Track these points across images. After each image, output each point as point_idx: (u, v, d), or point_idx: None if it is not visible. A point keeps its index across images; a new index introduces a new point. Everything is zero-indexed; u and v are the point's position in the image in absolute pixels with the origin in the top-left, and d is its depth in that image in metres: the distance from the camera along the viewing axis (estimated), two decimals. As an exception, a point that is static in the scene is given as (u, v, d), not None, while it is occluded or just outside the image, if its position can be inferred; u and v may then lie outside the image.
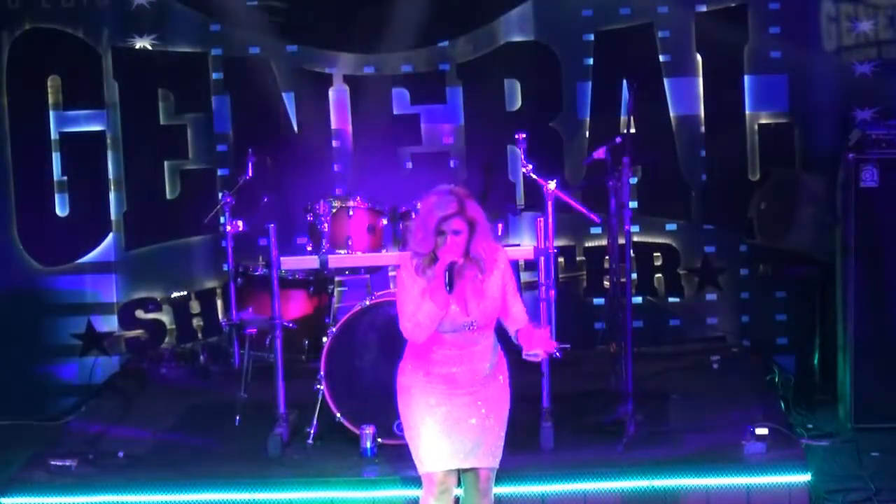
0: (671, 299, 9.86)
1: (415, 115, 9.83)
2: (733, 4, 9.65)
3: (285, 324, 8.25)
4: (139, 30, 9.81)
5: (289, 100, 9.84)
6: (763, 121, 9.71)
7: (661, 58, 9.70)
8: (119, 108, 9.87)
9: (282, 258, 8.17)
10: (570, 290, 9.78)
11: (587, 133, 9.75)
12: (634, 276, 9.60)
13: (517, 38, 9.77)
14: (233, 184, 8.91)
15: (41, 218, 9.89)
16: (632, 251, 8.55)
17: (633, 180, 9.33)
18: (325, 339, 8.13)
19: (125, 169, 9.88)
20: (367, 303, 8.04)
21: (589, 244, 9.84)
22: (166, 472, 7.80)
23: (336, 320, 8.35)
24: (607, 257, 9.45)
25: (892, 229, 8.51)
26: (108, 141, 9.89)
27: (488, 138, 9.77)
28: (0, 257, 9.85)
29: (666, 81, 9.70)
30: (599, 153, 8.21)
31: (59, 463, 7.83)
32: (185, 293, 9.98)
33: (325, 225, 8.32)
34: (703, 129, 9.74)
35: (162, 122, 9.89)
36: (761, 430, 7.65)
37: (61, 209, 9.92)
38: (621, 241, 8.27)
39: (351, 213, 8.36)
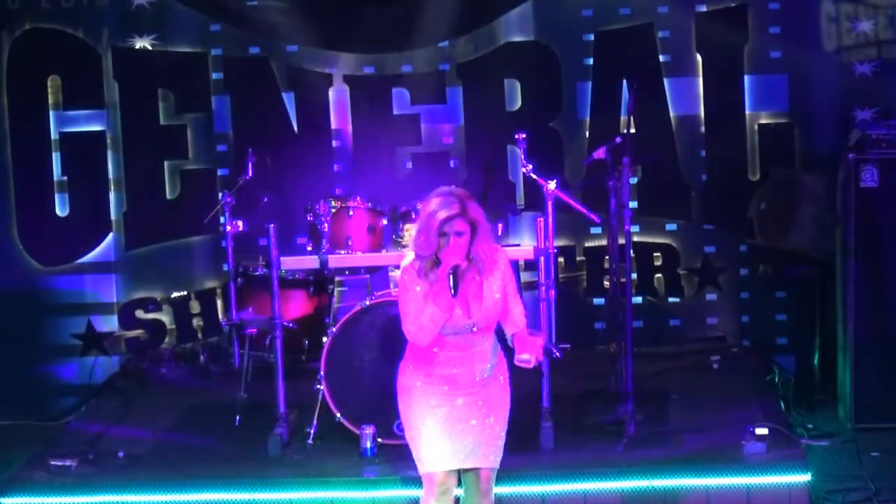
0: (671, 299, 9.86)
1: (415, 115, 9.83)
2: (733, 4, 9.65)
3: (285, 324, 8.25)
4: (139, 30, 9.80)
5: (289, 100, 9.84)
6: (763, 121, 9.71)
7: (661, 58, 9.70)
8: (119, 108, 9.87)
9: (282, 258, 8.17)
10: (570, 290, 9.78)
11: (587, 133, 9.75)
12: (634, 276, 9.60)
13: (517, 38, 9.77)
14: (233, 184, 8.91)
15: (41, 218, 9.88)
16: (632, 251, 8.55)
17: (633, 180, 9.33)
18: (325, 339, 8.13)
19: (125, 169, 9.88)
20: (367, 303, 8.04)
21: (589, 244, 9.84)
22: (166, 472, 7.80)
23: (336, 320, 8.35)
24: (607, 257, 9.45)
25: (892, 229, 8.51)
26: (108, 141, 9.89)
27: (488, 138, 9.77)
28: (0, 257, 9.85)
29: (666, 81, 9.70)
30: (599, 153, 8.21)
31: (59, 463, 7.84)
32: (185, 293, 9.98)
33: (325, 225, 8.32)
34: (703, 129, 9.74)
35: (162, 122, 9.89)
36: (761, 430, 7.65)
37: (61, 209, 9.92)
38: (621, 241, 8.27)
39: (351, 213, 8.37)
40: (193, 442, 8.32)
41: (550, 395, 7.99)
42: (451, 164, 9.86)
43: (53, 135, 9.88)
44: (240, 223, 8.46)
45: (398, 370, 6.55)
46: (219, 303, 9.95)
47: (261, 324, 8.45)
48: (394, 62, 9.83)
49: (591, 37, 9.72)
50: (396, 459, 7.56)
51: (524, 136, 8.23)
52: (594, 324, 9.78)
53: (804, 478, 7.43)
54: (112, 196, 9.91)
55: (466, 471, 6.49)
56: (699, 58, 9.70)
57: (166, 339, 10.00)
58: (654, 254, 9.83)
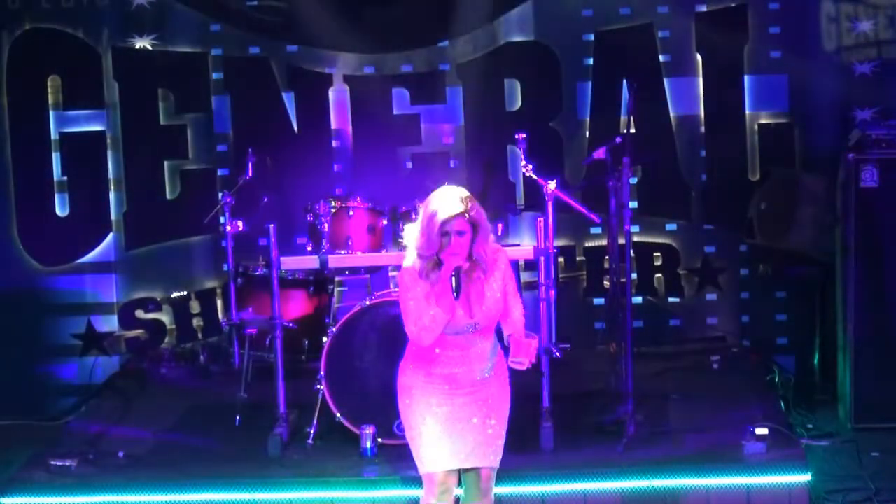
0: (671, 299, 9.86)
1: (415, 115, 9.83)
2: (733, 4, 9.65)
3: (285, 324, 8.25)
4: (139, 30, 9.81)
5: (289, 100, 9.84)
6: (763, 121, 9.71)
7: (661, 58, 9.70)
8: (119, 108, 9.87)
9: (282, 258, 8.17)
10: (570, 290, 9.78)
11: (587, 133, 9.75)
12: (634, 276, 9.60)
13: (517, 38, 9.77)
14: (233, 184, 8.91)
15: (41, 218, 9.88)
16: (632, 251, 8.55)
17: (633, 180, 9.34)
18: (325, 339, 8.13)
19: (125, 169, 9.88)
20: (367, 303, 8.04)
21: (589, 244, 9.84)
22: (166, 472, 7.80)
23: (336, 320, 8.35)
24: (607, 257, 9.46)
25: (892, 229, 8.51)
26: (108, 141, 9.89)
27: (488, 138, 9.77)
28: (0, 257, 9.85)
29: (666, 81, 9.70)
30: (599, 153, 8.21)
31: (59, 463, 7.83)
32: (185, 293, 9.98)
33: (325, 225, 8.33)
34: (703, 129, 9.74)
35: (162, 122, 9.89)
36: (761, 430, 7.65)
37: (61, 209, 9.92)
38: (621, 241, 8.27)
39: (351, 213, 8.37)
40: (193, 442, 8.32)
41: (550, 395, 7.99)
42: (451, 164, 9.86)
43: (53, 135, 9.88)
44: (240, 223, 8.45)
45: (398, 370, 6.55)
46: (219, 303, 9.95)
47: (261, 324, 8.44)
48: (394, 62, 9.83)
49: (591, 37, 9.72)
50: (396, 459, 7.56)
51: (524, 136, 8.23)
52: (594, 324, 9.79)
53: (804, 478, 7.43)
54: (112, 196, 9.91)
55: (466, 470, 6.49)
56: (699, 58, 9.70)
57: (166, 339, 10.00)
58: (654, 254, 9.83)
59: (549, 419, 7.95)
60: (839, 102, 9.55)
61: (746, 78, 9.66)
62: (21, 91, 9.82)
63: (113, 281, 9.95)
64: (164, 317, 10.00)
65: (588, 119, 9.76)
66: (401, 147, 9.84)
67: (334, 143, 9.90)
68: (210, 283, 9.99)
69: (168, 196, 9.91)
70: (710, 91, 9.69)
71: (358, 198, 8.46)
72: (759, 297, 9.79)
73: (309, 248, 8.46)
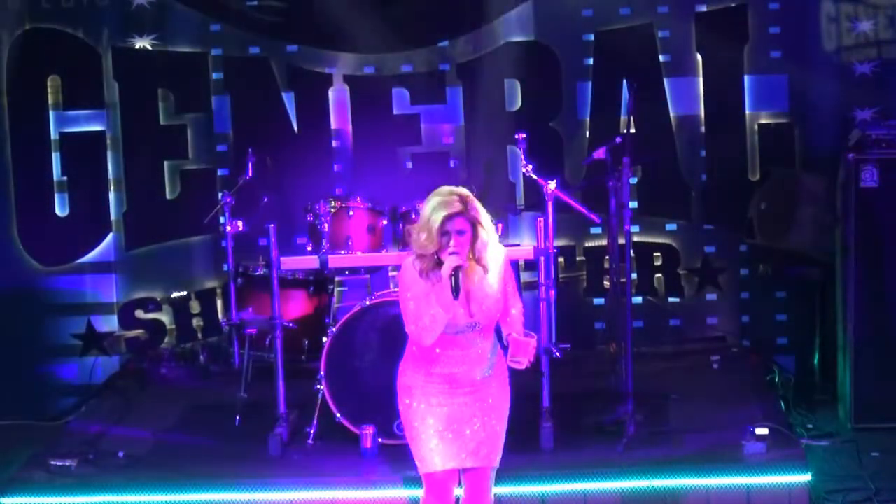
0: (671, 299, 9.86)
1: (415, 115, 9.83)
2: (733, 4, 9.65)
3: (285, 324, 8.26)
4: (139, 30, 9.80)
5: (289, 100, 9.84)
6: (763, 121, 9.71)
7: (661, 58, 9.70)
8: (119, 108, 9.87)
9: (282, 258, 8.18)
10: (570, 290, 9.78)
11: (587, 133, 9.75)
12: (634, 276, 9.60)
13: (517, 38, 9.77)
14: (233, 184, 8.91)
15: (41, 218, 9.88)
16: (632, 251, 8.55)
17: (633, 180, 9.33)
18: (325, 339, 8.13)
19: (125, 169, 9.88)
20: (367, 303, 8.04)
21: (589, 244, 9.84)
22: (166, 472, 7.80)
23: (336, 320, 8.35)
24: (607, 257, 9.46)
25: (892, 229, 8.51)
26: (108, 141, 9.89)
27: (488, 138, 9.77)
28: (0, 257, 9.85)
29: (666, 81, 9.70)
30: (599, 153, 8.22)
31: (59, 463, 7.84)
32: (185, 293, 9.98)
33: (325, 225, 8.33)
34: (703, 129, 9.74)
35: (162, 122, 9.89)
36: (761, 430, 7.65)
37: (61, 209, 9.92)
38: (621, 241, 8.27)
39: (351, 213, 8.37)
40: (193, 442, 8.32)
41: (550, 395, 8.00)
42: (451, 164, 9.86)
43: (53, 135, 9.88)
44: (240, 223, 8.45)
45: (398, 370, 6.55)
46: (219, 303, 9.95)
47: (261, 324, 8.45)
48: (394, 62, 9.83)
49: (591, 37, 9.72)
50: (396, 459, 7.56)
51: (524, 136, 8.23)
52: (594, 324, 9.79)
53: (804, 478, 7.43)
54: (112, 196, 9.91)
55: (466, 470, 6.48)
56: (699, 58, 9.70)
57: (166, 339, 10.00)
58: (654, 254, 9.83)
59: (549, 419, 7.95)
60: (839, 102, 9.55)
61: (746, 78, 9.66)
62: (21, 91, 9.82)
63: (113, 281, 9.95)
64: (164, 317, 10.00)
65: (588, 119, 9.76)
66: (401, 147, 9.84)
67: (334, 143, 9.90)
68: (210, 283, 9.99)
69: (168, 196, 9.91)
70: (710, 91, 9.69)
71: (358, 198, 8.46)
72: (759, 297, 9.79)
73: (309, 248, 8.47)
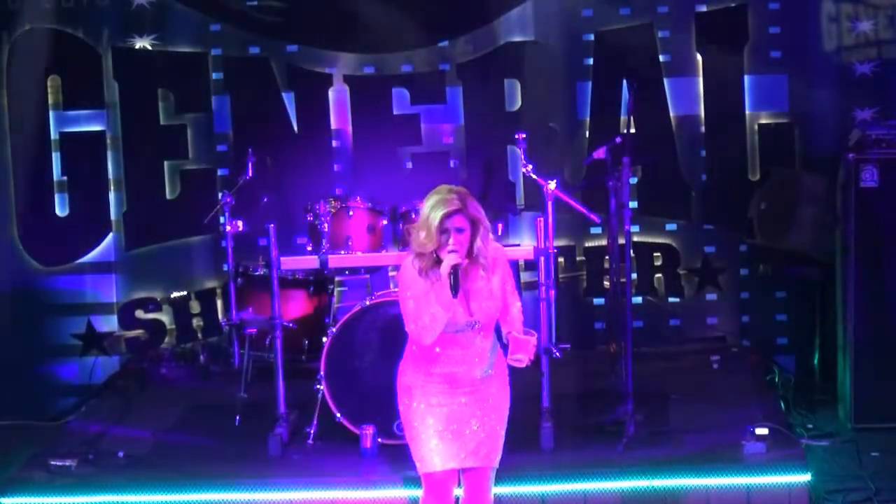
0: (671, 299, 9.86)
1: (415, 115, 9.83)
2: (733, 4, 9.65)
3: (285, 324, 8.26)
4: (139, 30, 9.80)
5: (289, 100, 9.84)
6: (763, 121, 9.71)
7: (661, 58, 9.70)
8: (119, 108, 9.87)
9: (282, 258, 8.17)
10: (570, 290, 9.78)
11: (587, 133, 9.75)
12: (634, 276, 9.60)
13: (517, 38, 9.77)
14: (233, 184, 8.91)
15: (41, 218, 9.88)
16: (632, 251, 8.55)
17: (633, 180, 9.33)
18: (325, 339, 8.13)
19: (125, 169, 9.88)
20: (367, 303, 8.04)
21: (589, 244, 9.84)
22: (166, 472, 7.80)
23: (336, 320, 8.35)
24: (607, 257, 9.46)
25: (892, 229, 8.51)
26: (108, 141, 9.89)
27: (488, 138, 9.77)
28: (0, 257, 9.85)
29: (666, 81, 9.70)
30: (599, 153, 8.21)
31: (59, 463, 7.84)
32: (185, 293, 9.98)
33: (325, 225, 8.33)
34: (703, 129, 9.74)
35: (162, 122, 9.89)
36: (761, 430, 7.65)
37: (61, 209, 9.92)
38: (621, 241, 8.27)
39: (351, 213, 8.37)
40: (193, 442, 8.32)
41: (550, 395, 7.99)
42: (451, 164, 9.86)
43: (53, 135, 9.88)
44: (240, 223, 8.45)
45: (398, 370, 6.54)
46: (219, 303, 9.95)
47: (261, 324, 8.44)
48: (394, 62, 9.83)
49: (591, 37, 9.72)
50: (396, 459, 7.56)
51: (524, 136, 8.23)
52: (594, 324, 9.79)
53: (804, 478, 7.43)
54: (112, 196, 9.91)
55: (466, 470, 6.48)
56: (699, 58, 9.70)
57: (166, 339, 10.00)
58: (654, 254, 9.83)
59: (549, 419, 7.95)
60: (839, 102, 9.55)
61: (746, 78, 9.66)
62: (21, 91, 9.81)
63: (113, 281, 9.95)
64: (164, 317, 10.00)
65: (588, 119, 9.76)
66: (401, 147, 9.84)
67: (334, 143, 9.90)
68: (210, 283, 9.99)
69: (168, 196, 9.91)
70: (710, 91, 9.69)
71: (358, 198, 8.46)
72: (759, 297, 9.79)
73: (309, 248, 8.47)
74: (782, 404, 8.63)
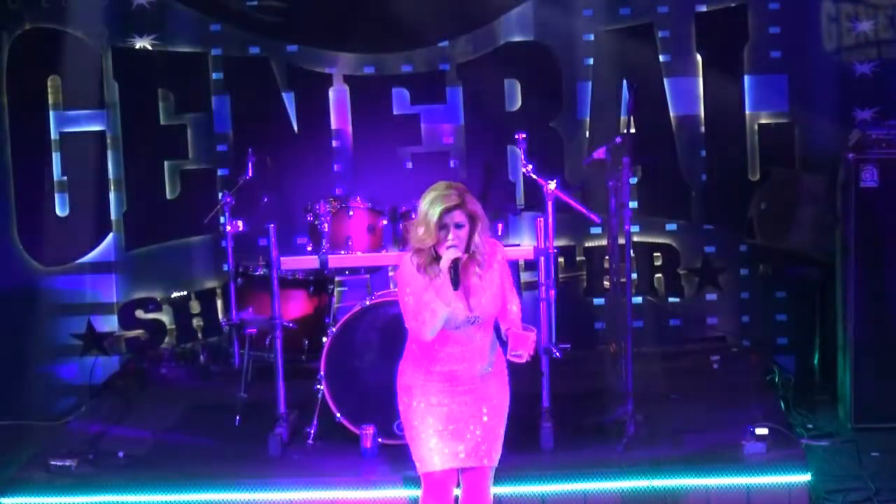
0: (671, 299, 9.86)
1: (415, 115, 9.83)
2: (733, 4, 9.65)
3: (285, 324, 8.26)
4: (139, 30, 9.81)
5: (289, 100, 9.84)
6: (763, 121, 9.71)
7: (661, 58, 9.70)
8: (119, 108, 9.87)
9: (282, 258, 8.17)
10: (570, 290, 9.78)
11: (587, 133, 9.75)
12: (634, 276, 9.60)
13: (517, 38, 9.77)
14: (233, 184, 8.90)
15: (41, 218, 9.88)
16: (632, 251, 8.55)
17: (633, 180, 9.33)
18: (325, 339, 8.13)
19: (125, 169, 9.89)
20: (367, 303, 8.04)
21: (589, 244, 9.84)
22: (166, 472, 7.80)
23: (336, 320, 8.35)
24: (607, 257, 9.46)
25: (892, 229, 8.51)
26: (108, 141, 9.89)
27: (488, 138, 9.77)
28: (0, 257, 9.85)
29: (666, 81, 9.70)
30: (599, 153, 8.22)
31: (59, 463, 7.84)
32: (185, 293, 9.98)
33: (325, 225, 8.33)
34: (703, 129, 9.74)
35: (162, 122, 9.89)
36: (761, 430, 7.65)
37: (61, 209, 9.92)
38: (621, 241, 8.27)
39: (351, 213, 8.37)
40: (193, 442, 8.32)
41: (550, 395, 7.99)
42: (451, 164, 9.86)
43: (53, 135, 9.88)
44: (240, 223, 8.45)
45: (398, 370, 6.55)
46: (219, 303, 9.95)
47: (261, 324, 8.45)
48: (394, 62, 9.83)
49: (591, 37, 9.72)
50: (396, 459, 7.56)
51: (524, 136, 8.23)
52: (594, 324, 9.79)
53: (804, 478, 7.43)
54: (112, 196, 9.91)
55: (465, 470, 6.48)
56: (699, 58, 9.70)
57: (166, 339, 10.00)
58: (654, 254, 9.83)
59: (549, 419, 7.95)
60: (839, 102, 9.55)
61: (746, 78, 9.66)
62: (21, 91, 9.82)
63: (113, 281, 9.95)
64: (164, 317, 10.00)
65: (588, 119, 9.76)
66: (401, 147, 9.84)
67: (334, 143, 9.90)
68: (210, 283, 9.99)
69: (168, 196, 9.92)
70: (710, 91, 9.69)
71: (358, 198, 8.46)
72: (759, 297, 9.79)
73: (309, 248, 8.47)
74: (782, 404, 8.63)
